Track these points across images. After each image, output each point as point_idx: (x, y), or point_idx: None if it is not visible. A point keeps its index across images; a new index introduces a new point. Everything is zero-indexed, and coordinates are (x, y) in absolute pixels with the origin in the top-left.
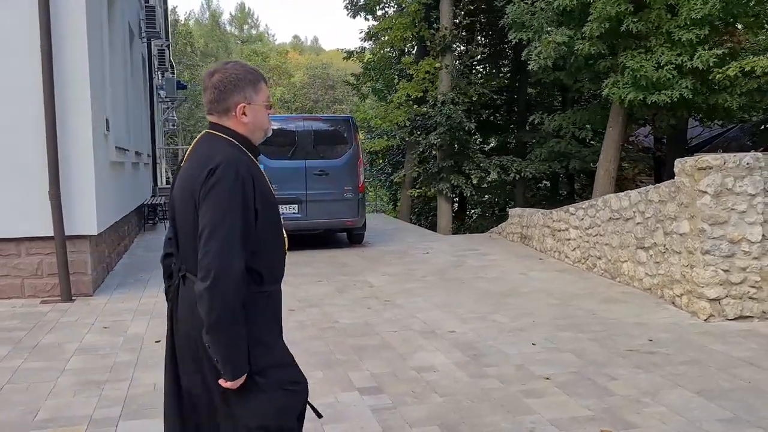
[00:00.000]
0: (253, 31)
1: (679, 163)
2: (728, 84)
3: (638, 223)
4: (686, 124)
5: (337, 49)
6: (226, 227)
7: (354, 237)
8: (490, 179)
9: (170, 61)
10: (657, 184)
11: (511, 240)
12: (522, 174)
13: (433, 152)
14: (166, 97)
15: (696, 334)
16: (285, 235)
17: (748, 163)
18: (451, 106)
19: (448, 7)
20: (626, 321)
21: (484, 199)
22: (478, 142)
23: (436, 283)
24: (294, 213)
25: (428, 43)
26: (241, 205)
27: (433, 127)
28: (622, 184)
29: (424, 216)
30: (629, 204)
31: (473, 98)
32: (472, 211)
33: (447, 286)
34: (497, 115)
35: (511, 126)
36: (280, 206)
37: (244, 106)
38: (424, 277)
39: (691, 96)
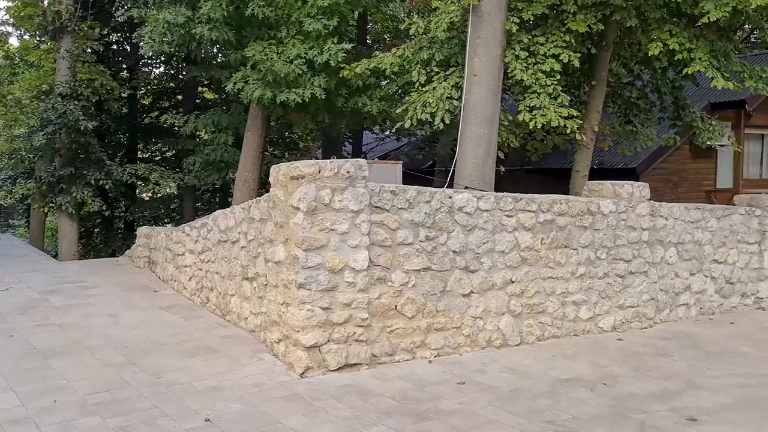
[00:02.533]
0: None
1: (274, 170)
2: (361, 85)
3: (243, 248)
4: (346, 131)
5: None
6: None
7: None
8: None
9: None
10: (259, 198)
11: (137, 266)
12: (159, 185)
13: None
14: None
15: (278, 401)
16: None
17: (348, 172)
18: (75, 102)
19: None
20: (198, 385)
21: (144, 214)
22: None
23: None
24: None
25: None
26: None
27: (44, 126)
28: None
29: None
30: (235, 223)
31: (102, 92)
32: (119, 228)
33: None
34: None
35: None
36: None
37: None
38: None
39: (324, 96)
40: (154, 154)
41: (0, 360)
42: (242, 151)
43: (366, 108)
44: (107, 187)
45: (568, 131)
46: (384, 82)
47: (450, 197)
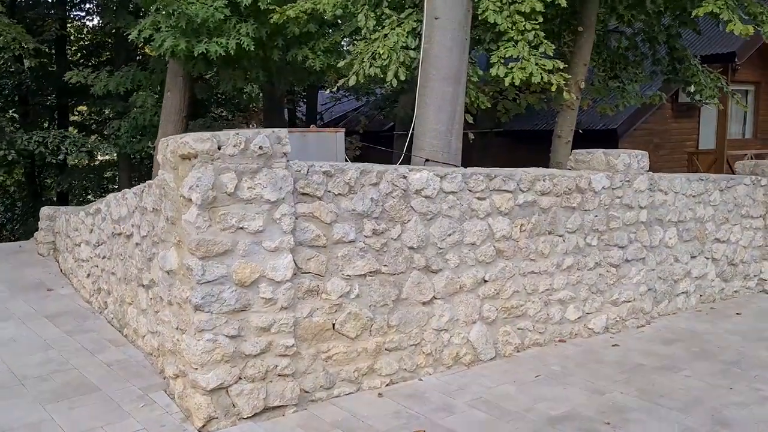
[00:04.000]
0: None
1: (161, 146)
2: (299, 33)
3: (137, 245)
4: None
5: None
6: None
7: None
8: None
9: None
10: (151, 181)
11: (41, 253)
12: (70, 154)
13: None
14: None
15: None
16: None
17: (262, 148)
18: None
19: None
20: None
21: (73, 183)
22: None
23: None
24: None
25: None
26: None
27: None
28: None
29: None
30: (127, 212)
31: (15, 47)
32: (50, 201)
33: None
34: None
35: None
36: None
37: None
38: None
39: (253, 48)
40: (88, 117)
41: None
42: (161, 116)
43: (308, 62)
44: (10, 158)
45: (552, 88)
46: (329, 30)
47: (404, 177)
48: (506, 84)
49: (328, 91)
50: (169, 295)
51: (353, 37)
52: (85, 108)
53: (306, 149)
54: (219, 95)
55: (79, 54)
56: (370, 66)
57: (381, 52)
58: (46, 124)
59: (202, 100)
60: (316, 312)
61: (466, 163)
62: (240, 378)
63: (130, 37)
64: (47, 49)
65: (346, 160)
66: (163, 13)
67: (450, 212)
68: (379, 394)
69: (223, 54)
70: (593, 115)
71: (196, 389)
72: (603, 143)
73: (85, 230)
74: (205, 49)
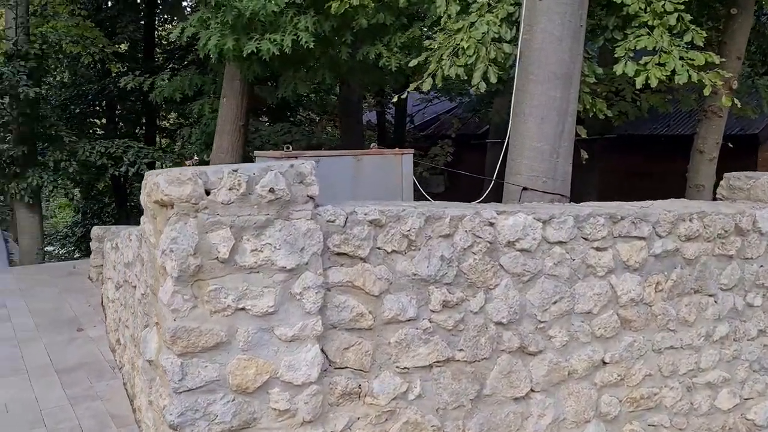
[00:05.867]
0: None
1: (145, 181)
2: (366, 25)
3: (140, 300)
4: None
5: None
6: None
7: None
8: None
9: None
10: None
11: (90, 278)
12: (135, 164)
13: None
14: None
15: None
16: None
17: (274, 190)
18: (21, 62)
19: None
20: None
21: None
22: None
23: None
24: None
25: None
26: None
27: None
28: None
29: None
30: (132, 258)
31: (94, 51)
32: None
33: None
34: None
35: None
36: None
37: None
38: None
39: (312, 45)
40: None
41: None
42: (217, 125)
43: (382, 61)
44: (70, 170)
45: (706, 91)
46: (408, 22)
47: (491, 224)
48: (638, 84)
49: (405, 93)
50: (150, 394)
51: (433, 29)
52: (174, 115)
53: (361, 177)
54: (304, 96)
55: (162, 59)
56: (451, 65)
57: (465, 47)
58: (134, 131)
59: (283, 101)
60: (356, 423)
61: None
62: None
63: (171, 36)
64: (132, 54)
65: (421, 194)
66: (212, 5)
67: (556, 270)
68: None
69: (278, 53)
70: (728, 117)
71: None
72: (738, 152)
73: (110, 264)
74: (256, 47)
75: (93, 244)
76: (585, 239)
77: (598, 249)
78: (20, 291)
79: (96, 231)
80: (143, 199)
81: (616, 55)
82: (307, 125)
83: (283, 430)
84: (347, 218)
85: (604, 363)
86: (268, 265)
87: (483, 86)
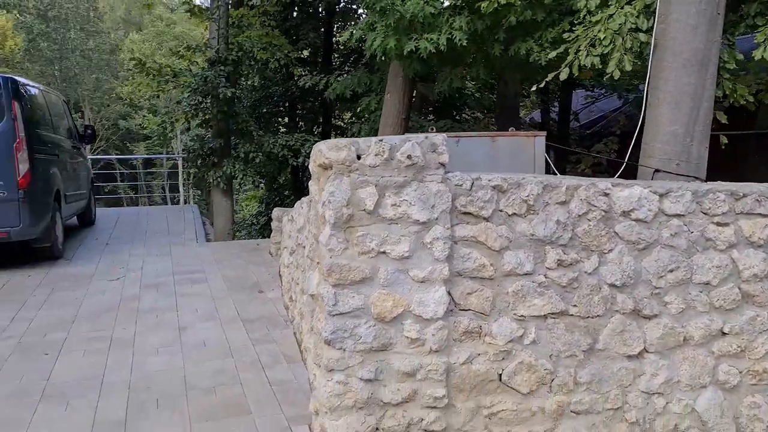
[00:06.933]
0: None
1: (312, 151)
2: (515, 22)
3: (310, 250)
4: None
5: None
6: None
7: (42, 251)
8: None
9: None
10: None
11: (270, 252)
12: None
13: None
14: None
15: None
16: None
17: (411, 156)
18: (221, 67)
19: None
20: None
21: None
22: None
23: None
24: None
25: None
26: None
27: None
28: None
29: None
30: (303, 222)
31: (279, 56)
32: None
33: None
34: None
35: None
36: None
37: None
38: None
39: (464, 42)
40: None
41: None
42: (381, 119)
43: (533, 56)
44: (257, 160)
45: None
46: (560, 18)
47: (606, 194)
48: None
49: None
50: (311, 322)
51: (572, 21)
52: (347, 115)
53: (496, 156)
54: (468, 94)
55: (338, 62)
56: (587, 55)
57: (602, 37)
58: (312, 129)
59: (447, 99)
60: (476, 358)
61: (733, 176)
62: (377, 429)
63: (341, 39)
64: (313, 58)
65: (552, 172)
66: (377, 10)
67: (673, 241)
68: None
69: (433, 51)
70: None
71: None
72: None
73: (286, 236)
74: (414, 46)
75: (273, 224)
76: (705, 213)
77: (718, 224)
78: (215, 261)
79: (276, 212)
80: (311, 165)
81: (757, 40)
82: (473, 123)
83: (413, 355)
84: (473, 183)
85: (723, 333)
86: (405, 218)
87: (617, 74)
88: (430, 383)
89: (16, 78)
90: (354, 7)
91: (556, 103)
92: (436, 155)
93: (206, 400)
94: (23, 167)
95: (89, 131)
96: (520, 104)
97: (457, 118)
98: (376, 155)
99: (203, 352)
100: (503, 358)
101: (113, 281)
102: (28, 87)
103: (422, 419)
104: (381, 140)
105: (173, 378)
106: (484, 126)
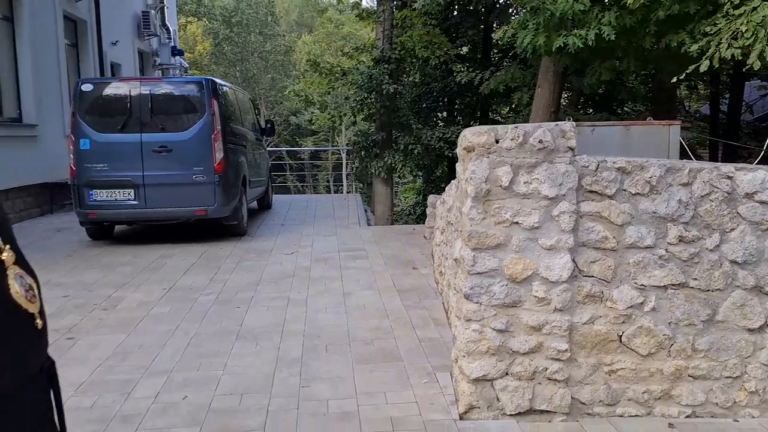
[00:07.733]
0: None
1: (460, 137)
2: (667, 17)
3: (457, 231)
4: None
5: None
6: None
7: (231, 228)
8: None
9: (165, 25)
10: None
11: (424, 236)
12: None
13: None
14: (160, 65)
15: None
16: None
17: (542, 141)
18: (385, 65)
19: None
20: (333, 406)
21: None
22: (438, 110)
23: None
24: (129, 199)
25: None
26: None
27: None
28: None
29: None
30: (452, 203)
31: (440, 54)
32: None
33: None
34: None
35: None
36: (111, 191)
37: None
38: (198, 298)
39: (612, 37)
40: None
41: (186, 326)
42: (531, 112)
43: (684, 48)
44: (416, 152)
45: None
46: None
47: (729, 178)
48: None
49: (683, 75)
50: (454, 283)
51: (715, 14)
52: (506, 109)
53: (630, 144)
54: (627, 86)
55: (496, 58)
56: (728, 47)
57: (743, 30)
58: (469, 123)
59: (606, 93)
60: (598, 320)
61: None
62: (506, 374)
63: (494, 36)
64: (472, 55)
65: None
66: (529, 9)
67: None
68: (669, 424)
69: (582, 46)
70: None
71: (462, 376)
72: None
73: (438, 217)
74: (563, 42)
75: (428, 210)
76: None
77: None
78: (375, 242)
79: (431, 198)
80: (458, 149)
81: None
82: (634, 116)
83: (540, 312)
84: (598, 165)
85: None
86: (535, 194)
87: (758, 65)
88: (555, 338)
89: (214, 79)
90: (510, 3)
91: (726, 95)
92: (564, 140)
93: (365, 348)
94: (219, 155)
95: (269, 125)
96: (690, 97)
97: (619, 111)
98: (511, 140)
99: (363, 313)
100: (623, 322)
101: (289, 255)
102: (223, 86)
103: (546, 368)
104: (516, 127)
105: (338, 330)
106: (644, 119)
